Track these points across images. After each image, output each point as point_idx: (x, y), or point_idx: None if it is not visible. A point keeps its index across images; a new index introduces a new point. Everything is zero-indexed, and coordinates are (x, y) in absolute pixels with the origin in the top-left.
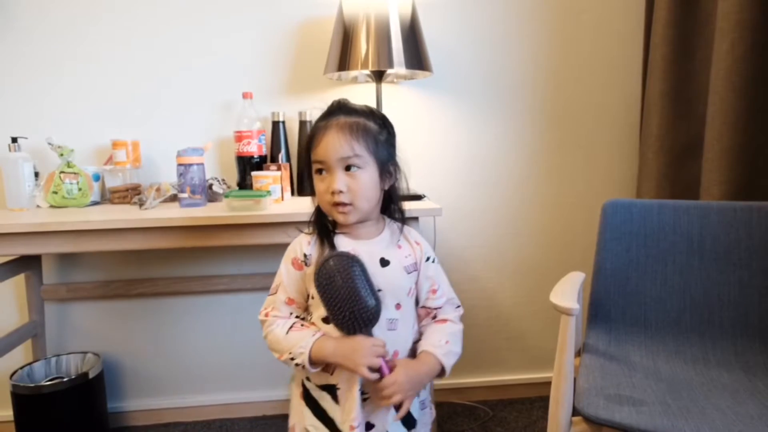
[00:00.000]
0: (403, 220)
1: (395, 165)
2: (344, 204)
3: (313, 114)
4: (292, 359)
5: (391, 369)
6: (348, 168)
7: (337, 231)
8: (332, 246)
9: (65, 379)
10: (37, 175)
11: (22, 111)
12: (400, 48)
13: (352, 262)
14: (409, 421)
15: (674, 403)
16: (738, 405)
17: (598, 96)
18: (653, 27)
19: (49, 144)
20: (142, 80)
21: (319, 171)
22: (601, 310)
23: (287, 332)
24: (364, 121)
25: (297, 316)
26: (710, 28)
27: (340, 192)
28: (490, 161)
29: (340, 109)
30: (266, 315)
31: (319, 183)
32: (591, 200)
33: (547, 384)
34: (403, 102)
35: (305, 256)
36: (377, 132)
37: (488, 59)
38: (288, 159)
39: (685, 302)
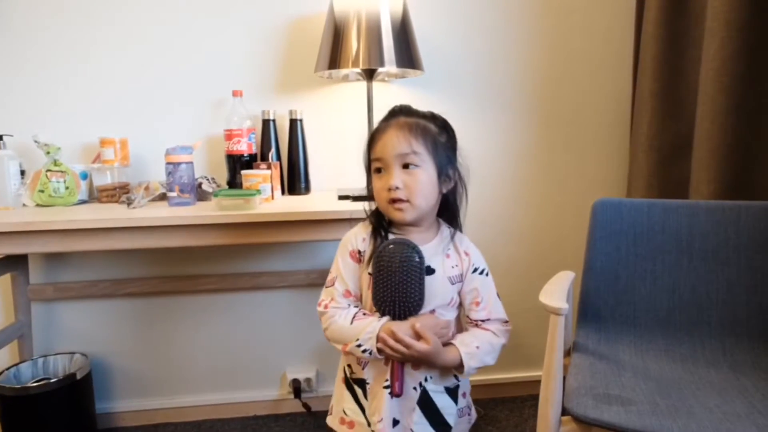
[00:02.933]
0: (456, 227)
1: (455, 170)
2: (401, 200)
3: (304, 113)
4: (359, 346)
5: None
6: (406, 166)
7: (390, 231)
8: None
9: (53, 380)
10: (23, 173)
11: (7, 108)
12: (391, 46)
13: (413, 252)
14: (442, 424)
15: (663, 402)
16: (725, 404)
17: (588, 95)
18: (643, 26)
19: (36, 142)
20: (130, 77)
21: (378, 170)
22: (590, 309)
23: (351, 322)
24: (424, 122)
25: (356, 308)
26: (700, 28)
27: (397, 188)
28: (481, 160)
29: (401, 111)
30: (325, 307)
31: (377, 181)
32: (581, 199)
33: (537, 383)
34: (393, 100)
35: (359, 252)
36: (437, 133)
37: (479, 59)
38: (278, 158)
39: (674, 301)
